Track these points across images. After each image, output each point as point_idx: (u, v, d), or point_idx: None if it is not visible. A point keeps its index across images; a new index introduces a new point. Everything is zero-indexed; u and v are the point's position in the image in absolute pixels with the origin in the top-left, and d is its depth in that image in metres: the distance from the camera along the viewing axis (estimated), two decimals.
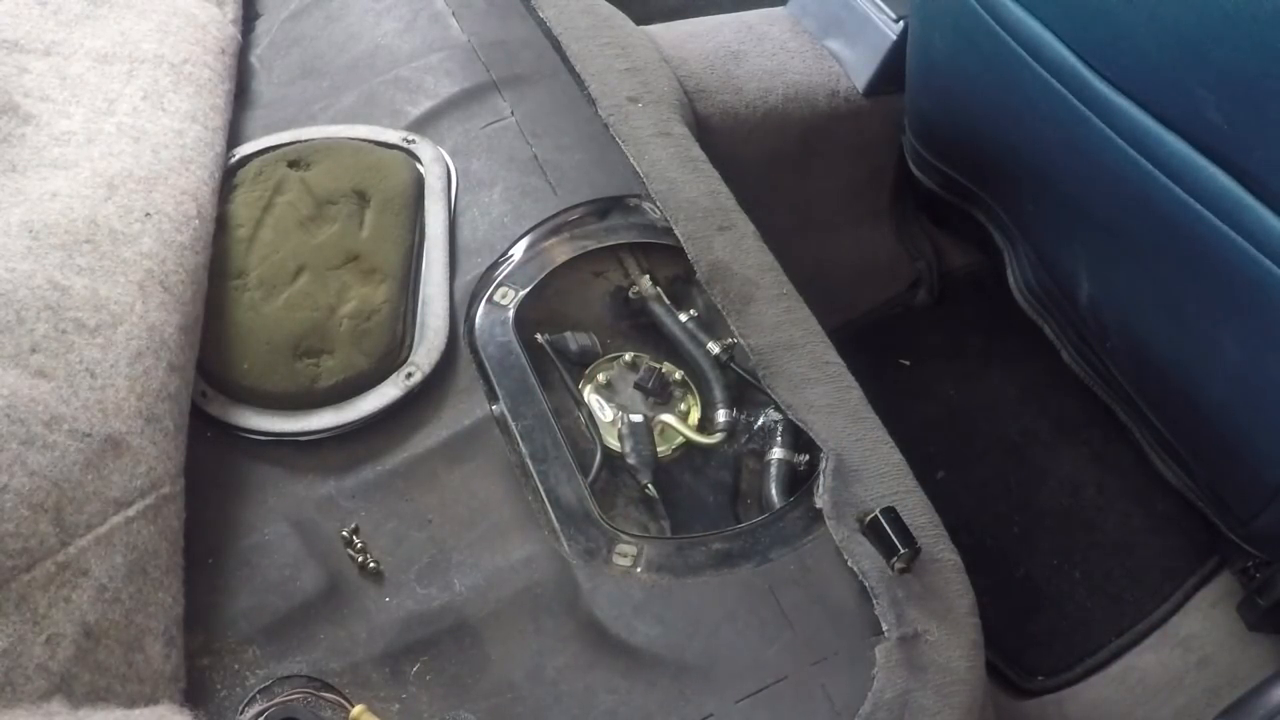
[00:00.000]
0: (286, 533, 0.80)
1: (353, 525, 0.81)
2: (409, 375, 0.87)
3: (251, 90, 1.14)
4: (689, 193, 1.00)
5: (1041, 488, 1.34)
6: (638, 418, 0.91)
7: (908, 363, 1.46)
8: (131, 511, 0.72)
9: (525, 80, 1.11)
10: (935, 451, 1.35)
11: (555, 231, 0.99)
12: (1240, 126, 0.79)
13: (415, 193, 1.00)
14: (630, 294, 1.01)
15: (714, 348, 0.96)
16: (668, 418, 0.92)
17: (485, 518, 0.82)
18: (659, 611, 0.77)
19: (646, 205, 1.01)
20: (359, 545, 0.79)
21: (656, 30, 1.31)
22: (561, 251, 0.98)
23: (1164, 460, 1.16)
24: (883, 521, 0.78)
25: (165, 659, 0.71)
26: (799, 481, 0.89)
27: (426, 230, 0.98)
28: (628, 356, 0.97)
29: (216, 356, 0.87)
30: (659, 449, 0.90)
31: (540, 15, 1.16)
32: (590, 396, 0.94)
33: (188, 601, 0.74)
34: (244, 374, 0.86)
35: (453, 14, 1.17)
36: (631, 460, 0.89)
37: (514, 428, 0.86)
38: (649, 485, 0.88)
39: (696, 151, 1.05)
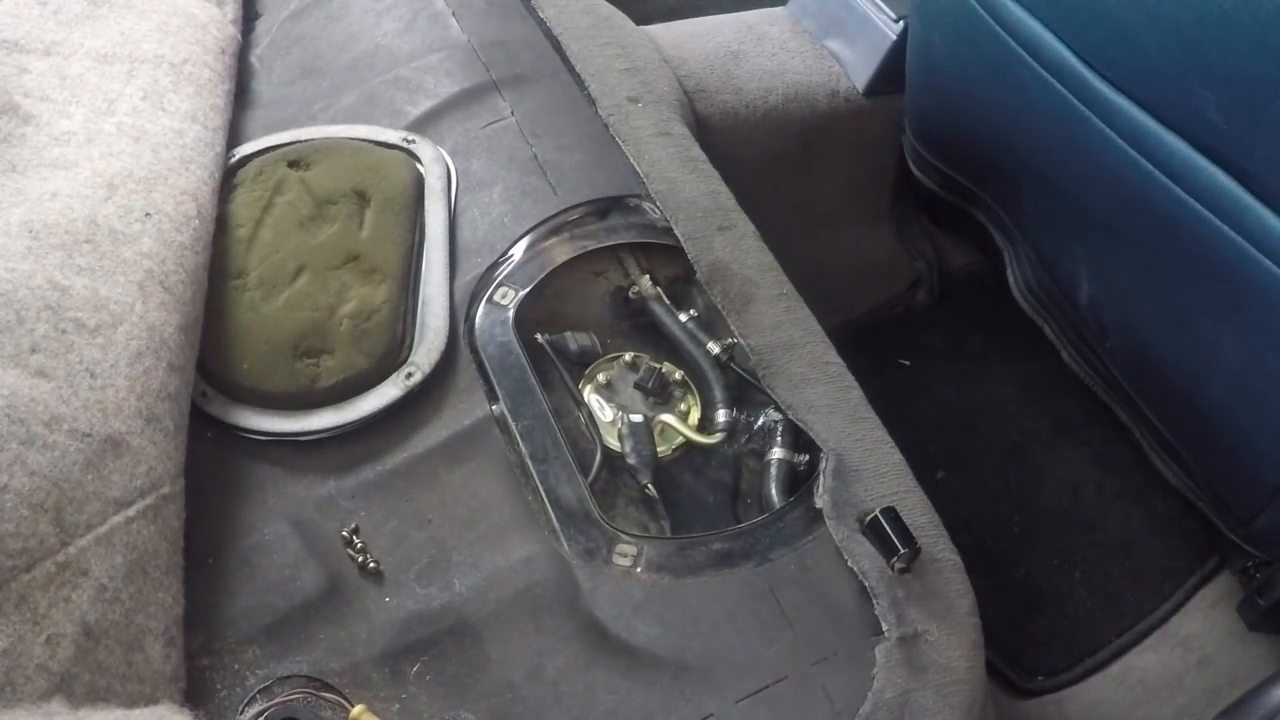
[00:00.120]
0: (286, 533, 0.80)
1: (353, 525, 0.81)
2: (409, 375, 0.87)
3: (251, 90, 1.14)
4: (689, 193, 1.00)
5: (1041, 488, 1.34)
6: (638, 418, 0.91)
7: (908, 363, 1.46)
8: (131, 511, 0.72)
9: (525, 80, 1.11)
10: (935, 451, 1.35)
11: (555, 231, 0.99)
12: (1240, 126, 0.79)
13: (415, 193, 1.00)
14: (630, 294, 1.01)
15: (714, 348, 0.96)
16: (668, 418, 0.92)
17: (485, 518, 0.82)
18: (659, 611, 0.77)
19: (646, 205, 1.01)
20: (359, 545, 0.80)
21: (656, 30, 1.31)
22: (561, 251, 0.98)
23: (1164, 460, 1.16)
24: (883, 521, 0.78)
25: (165, 659, 0.71)
26: (799, 481, 0.89)
27: (426, 230, 0.98)
28: (628, 356, 0.97)
29: (216, 356, 0.87)
30: (659, 449, 0.90)
31: (540, 15, 1.16)
32: (590, 396, 0.94)
33: (188, 601, 0.74)
34: (244, 374, 0.86)
35: (453, 14, 1.17)
36: (631, 460, 0.89)
37: (514, 428, 0.86)
38: (649, 485, 0.88)
39: (696, 151, 1.05)
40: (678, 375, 0.96)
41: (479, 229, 0.99)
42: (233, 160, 1.02)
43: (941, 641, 0.76)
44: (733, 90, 1.28)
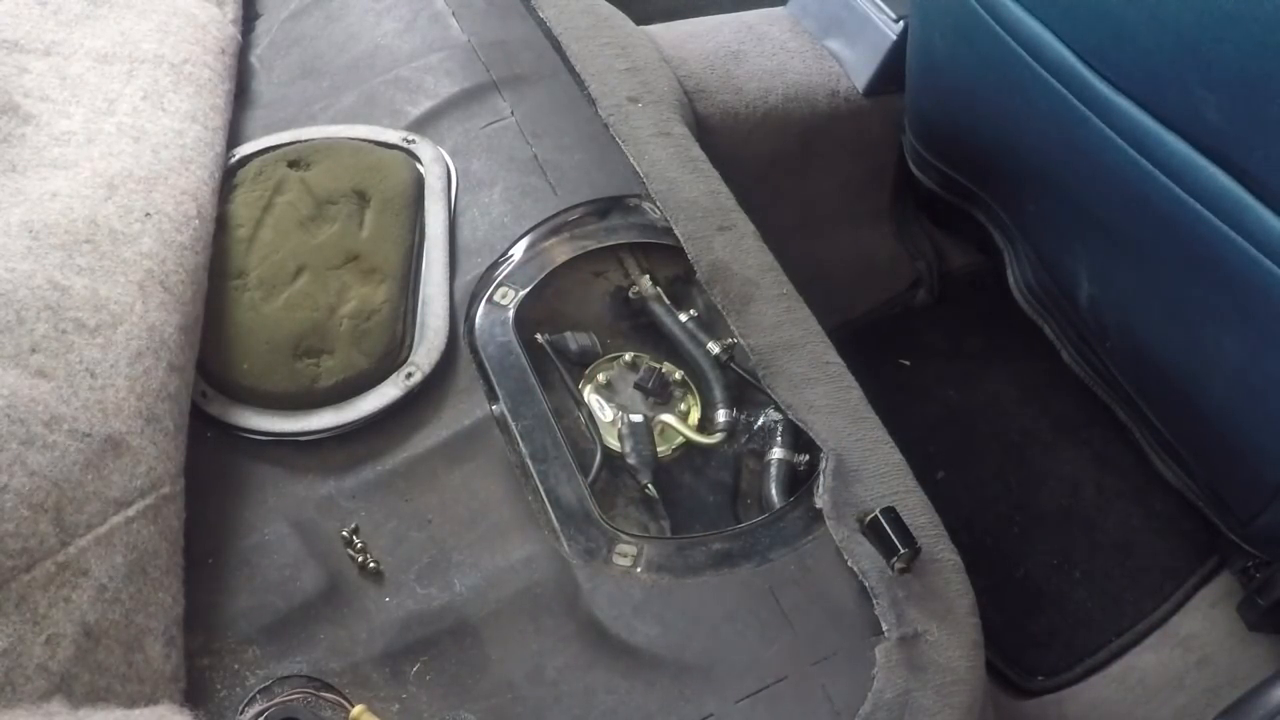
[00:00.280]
0: (286, 533, 0.80)
1: (353, 525, 0.81)
2: (409, 375, 0.87)
3: (251, 90, 1.14)
4: (689, 193, 1.00)
5: (1041, 488, 1.34)
6: (638, 418, 0.91)
7: (908, 363, 1.46)
8: (131, 511, 0.72)
9: (525, 80, 1.11)
10: (935, 451, 1.35)
11: (555, 231, 0.99)
12: (1240, 127, 0.79)
13: (415, 193, 1.00)
14: (630, 294, 1.01)
15: (714, 348, 0.96)
16: (668, 418, 0.92)
17: (485, 518, 0.82)
18: (659, 611, 0.77)
19: (646, 205, 1.01)
20: (359, 545, 0.80)
21: (656, 30, 1.31)
22: (561, 251, 0.98)
23: (1164, 460, 1.16)
24: (883, 521, 0.78)
25: (165, 659, 0.71)
26: (799, 481, 0.89)
27: (426, 230, 0.98)
28: (628, 356, 0.97)
29: (216, 356, 0.87)
30: (659, 449, 0.90)
31: (540, 15, 1.16)
32: (590, 396, 0.94)
33: (188, 601, 0.74)
34: (244, 374, 0.86)
35: (453, 14, 1.17)
36: (631, 460, 0.89)
37: (514, 428, 0.86)
38: (649, 485, 0.88)
39: (696, 151, 1.05)
40: (678, 375, 0.96)
41: (479, 229, 0.99)
42: (233, 160, 1.02)
43: (941, 641, 0.76)
44: (733, 90, 1.28)
